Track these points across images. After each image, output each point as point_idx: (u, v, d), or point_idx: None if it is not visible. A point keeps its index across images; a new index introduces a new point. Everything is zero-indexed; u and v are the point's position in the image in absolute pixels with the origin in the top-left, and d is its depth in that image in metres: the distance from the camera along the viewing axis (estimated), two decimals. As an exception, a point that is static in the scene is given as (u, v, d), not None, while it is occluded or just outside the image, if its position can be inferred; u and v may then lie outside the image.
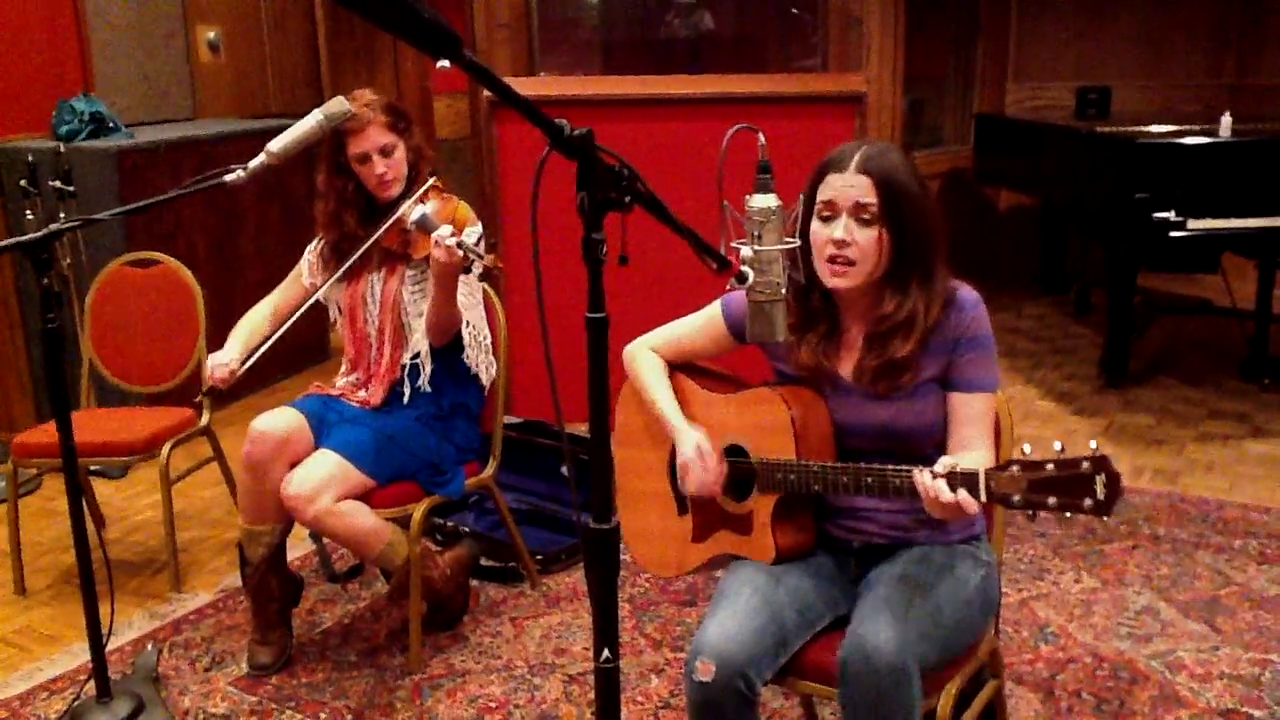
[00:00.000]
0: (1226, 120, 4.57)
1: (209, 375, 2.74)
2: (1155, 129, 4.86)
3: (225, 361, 2.74)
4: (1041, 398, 4.76)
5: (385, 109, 2.75)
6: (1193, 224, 4.30)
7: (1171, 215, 4.30)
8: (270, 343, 2.76)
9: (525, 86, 4.37)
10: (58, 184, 4.19)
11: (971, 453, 1.87)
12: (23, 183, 4.20)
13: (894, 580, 1.90)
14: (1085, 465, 1.60)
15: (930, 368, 1.92)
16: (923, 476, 1.73)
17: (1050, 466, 1.63)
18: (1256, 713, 2.52)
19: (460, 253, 2.49)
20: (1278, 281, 4.77)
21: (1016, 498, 1.65)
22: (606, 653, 1.49)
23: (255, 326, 2.89)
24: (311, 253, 2.92)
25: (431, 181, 2.77)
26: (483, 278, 2.57)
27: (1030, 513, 1.66)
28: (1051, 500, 1.62)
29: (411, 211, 2.61)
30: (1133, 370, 4.92)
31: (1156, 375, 4.99)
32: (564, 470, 3.61)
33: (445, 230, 2.53)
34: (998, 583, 2.04)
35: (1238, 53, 6.47)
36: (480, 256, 2.51)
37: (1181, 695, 2.60)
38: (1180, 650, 2.79)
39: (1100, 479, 1.59)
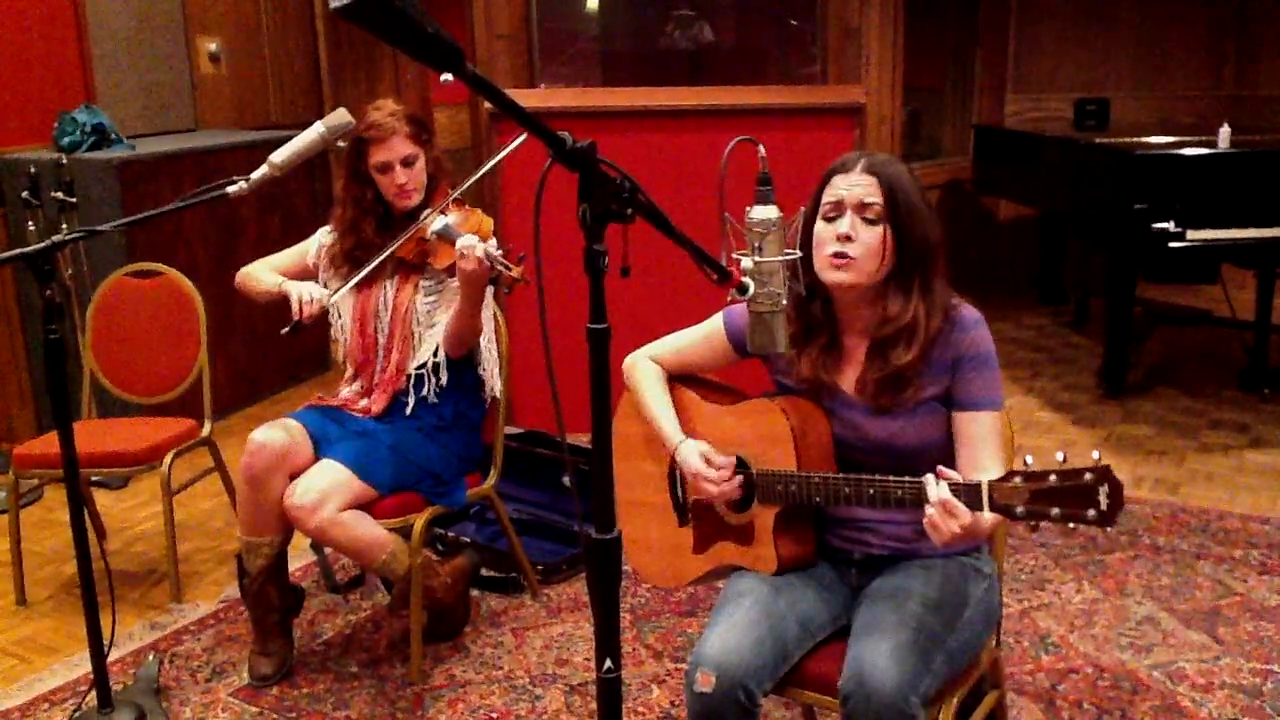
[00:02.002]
0: (1225, 131, 4.59)
1: (297, 309, 2.68)
2: (1154, 140, 4.88)
3: (318, 296, 2.69)
4: (1041, 408, 4.77)
5: (409, 119, 2.77)
6: (1192, 235, 4.31)
7: (1171, 226, 4.31)
8: (350, 287, 2.71)
9: (525, 98, 4.38)
10: (59, 195, 4.20)
11: (985, 474, 1.84)
12: (25, 194, 4.21)
13: (895, 597, 1.89)
14: (1088, 476, 1.60)
15: (932, 386, 1.91)
16: (939, 487, 1.71)
17: (1053, 477, 1.62)
18: (1258, 723, 2.52)
19: (488, 263, 2.50)
20: (1277, 292, 4.78)
21: (1019, 509, 1.65)
22: (608, 663, 1.49)
23: (269, 277, 2.87)
24: (326, 238, 2.91)
25: (453, 195, 2.78)
26: (506, 290, 2.55)
27: (1033, 524, 1.66)
28: (1054, 511, 1.62)
29: (433, 222, 2.62)
30: (1132, 380, 4.92)
31: (1156, 385, 5.00)
32: (565, 480, 3.61)
33: (472, 239, 2.53)
34: (999, 594, 2.04)
35: (1235, 64, 6.49)
36: (507, 267, 2.51)
37: (1183, 706, 2.60)
38: (1181, 660, 2.79)
39: (1103, 489, 1.59)
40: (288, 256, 2.96)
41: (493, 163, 2.71)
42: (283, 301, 2.75)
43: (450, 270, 2.67)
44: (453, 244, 2.56)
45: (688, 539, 2.13)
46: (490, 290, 2.73)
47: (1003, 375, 1.97)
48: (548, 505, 3.63)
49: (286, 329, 2.67)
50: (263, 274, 2.88)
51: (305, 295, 2.70)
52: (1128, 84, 6.56)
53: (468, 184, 2.76)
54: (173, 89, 5.31)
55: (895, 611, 1.85)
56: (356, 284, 2.81)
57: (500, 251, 2.56)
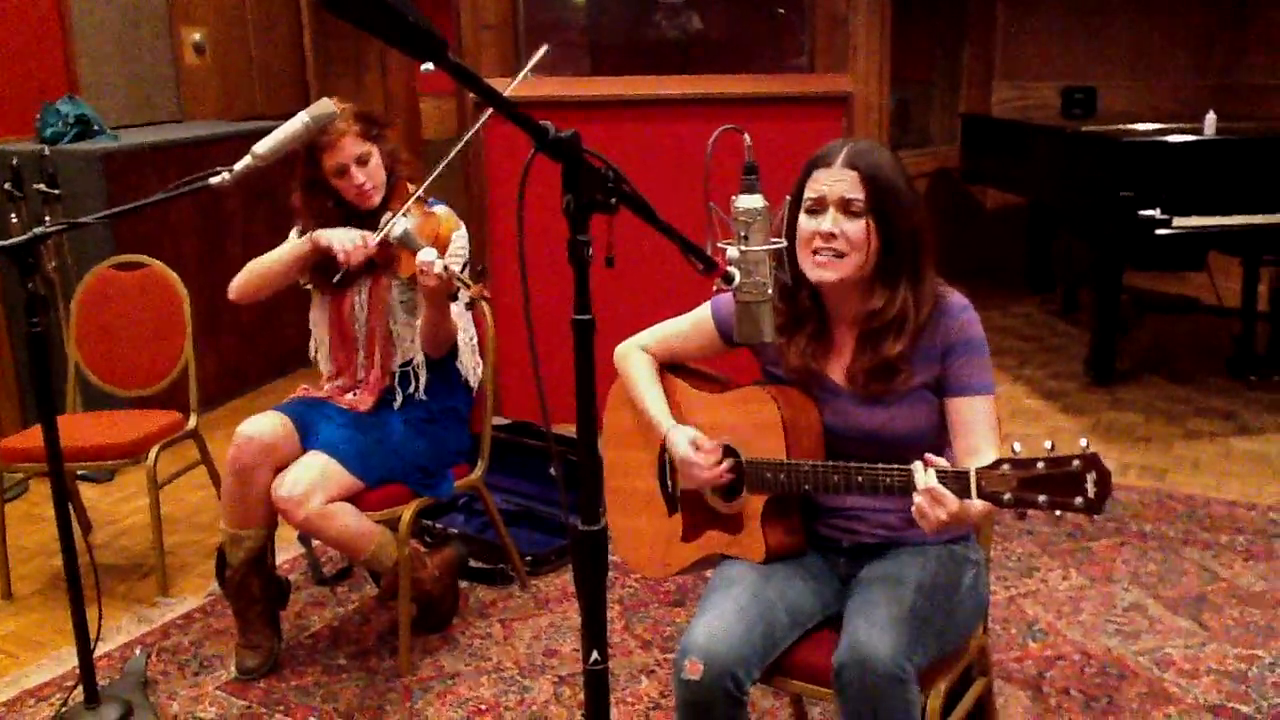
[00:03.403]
0: (1211, 119, 4.60)
1: (342, 257, 2.61)
2: (1140, 128, 4.89)
3: (358, 241, 2.60)
4: (1029, 396, 4.78)
5: (357, 117, 2.70)
6: (1178, 222, 4.32)
7: (1157, 213, 4.32)
8: (390, 225, 2.60)
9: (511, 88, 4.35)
10: (43, 187, 4.16)
11: (980, 458, 1.83)
12: (7, 186, 4.18)
13: (886, 581, 1.90)
14: (1076, 463, 1.60)
15: (921, 373, 1.92)
16: (926, 475, 1.71)
17: (1041, 465, 1.62)
18: (1244, 708, 2.53)
19: (447, 276, 2.47)
20: (1263, 279, 4.79)
21: (1007, 496, 1.65)
22: (596, 654, 1.48)
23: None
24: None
25: (415, 194, 2.72)
26: (468, 306, 2.51)
27: (1020, 511, 1.66)
28: (1042, 498, 1.62)
29: (394, 227, 2.57)
30: (1120, 368, 4.94)
31: (1143, 373, 5.01)
32: (552, 471, 3.61)
33: (430, 254, 2.49)
34: (987, 581, 2.04)
35: (1222, 52, 6.50)
36: (467, 285, 2.47)
37: (1169, 691, 2.61)
38: (1168, 646, 2.80)
39: (1091, 477, 1.59)
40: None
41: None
42: (315, 257, 2.69)
43: (414, 280, 2.63)
44: (413, 254, 2.52)
45: (676, 528, 2.12)
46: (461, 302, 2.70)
47: (991, 363, 1.97)
48: (536, 496, 3.63)
49: (336, 276, 2.63)
50: (268, 256, 2.80)
51: (347, 242, 2.62)
52: (1115, 73, 6.56)
53: (428, 181, 2.73)
54: (157, 80, 5.27)
55: (889, 593, 1.86)
56: (330, 294, 2.77)
57: (461, 262, 2.52)
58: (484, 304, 2.95)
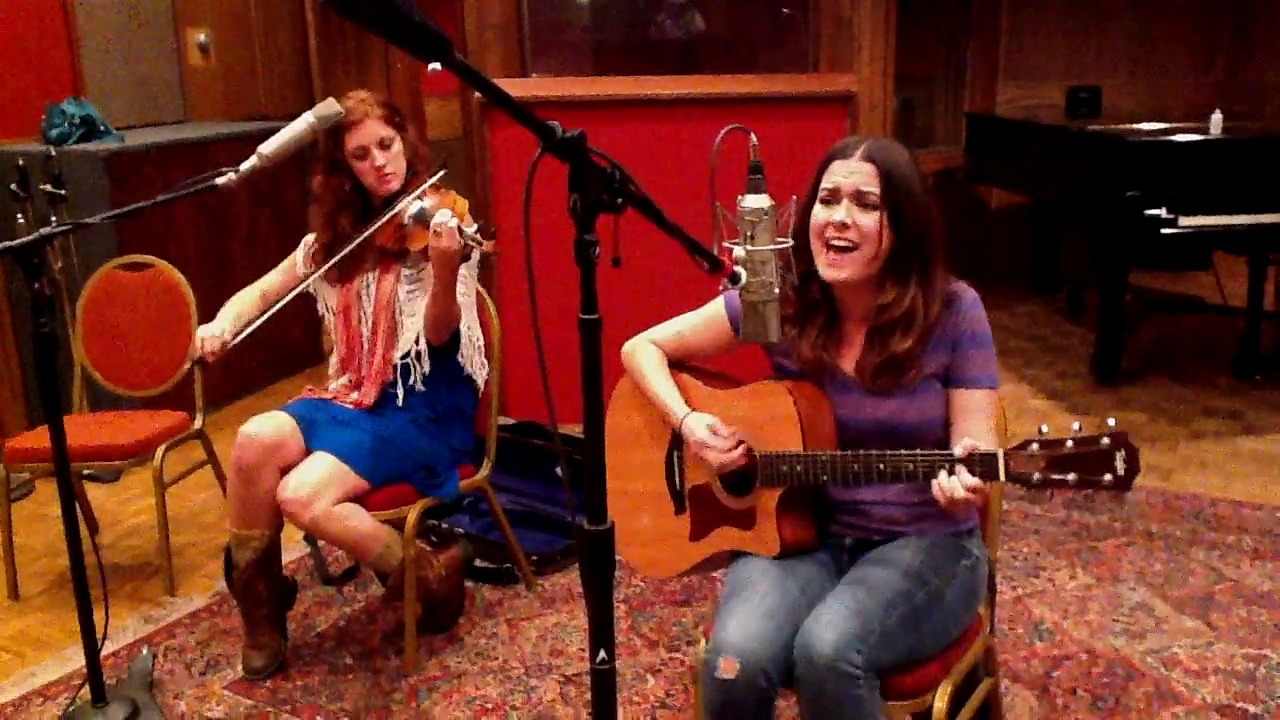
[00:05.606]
0: (1217, 118, 4.59)
1: (197, 347, 2.70)
2: (1146, 127, 4.88)
3: (216, 334, 2.71)
4: (1034, 396, 4.77)
5: (382, 104, 2.77)
6: (1184, 221, 4.32)
7: (1163, 213, 4.31)
8: (260, 322, 2.72)
9: (516, 88, 4.36)
10: (48, 188, 4.17)
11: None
12: (13, 187, 4.18)
13: (859, 570, 1.91)
14: (1105, 441, 1.61)
15: (931, 364, 1.93)
16: (941, 478, 1.74)
17: (1070, 444, 1.63)
18: (1252, 708, 2.53)
19: (460, 239, 2.50)
20: (1269, 278, 4.79)
21: (1036, 476, 1.65)
22: (602, 654, 1.48)
23: (244, 307, 2.87)
24: (308, 246, 2.91)
25: (432, 180, 2.76)
26: (481, 264, 2.57)
27: (1049, 492, 1.66)
28: (1071, 477, 1.62)
29: (410, 207, 2.62)
30: (1125, 368, 4.93)
31: (1149, 373, 5.00)
32: (558, 471, 3.61)
33: (445, 214, 2.53)
34: (986, 577, 2.04)
35: (1228, 51, 6.49)
36: (479, 243, 2.51)
37: (1177, 691, 2.61)
38: (1175, 646, 2.79)
39: (1120, 454, 1.60)
40: (277, 273, 2.96)
41: (408, 199, 2.70)
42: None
43: (425, 253, 2.66)
44: (428, 225, 2.56)
45: (684, 527, 2.12)
46: (474, 273, 2.72)
47: (995, 359, 1.98)
48: (542, 496, 3.63)
49: (186, 365, 2.72)
50: (224, 310, 2.87)
51: (207, 334, 2.71)
52: (1120, 72, 6.55)
53: (437, 175, 2.76)
54: (162, 80, 5.28)
55: (850, 577, 1.87)
56: (339, 276, 2.80)
57: (474, 228, 2.57)
58: (490, 302, 2.95)
